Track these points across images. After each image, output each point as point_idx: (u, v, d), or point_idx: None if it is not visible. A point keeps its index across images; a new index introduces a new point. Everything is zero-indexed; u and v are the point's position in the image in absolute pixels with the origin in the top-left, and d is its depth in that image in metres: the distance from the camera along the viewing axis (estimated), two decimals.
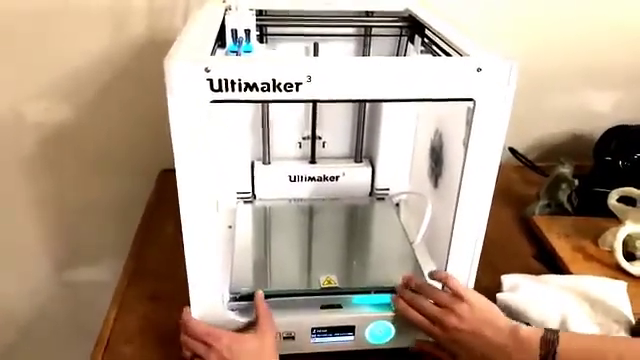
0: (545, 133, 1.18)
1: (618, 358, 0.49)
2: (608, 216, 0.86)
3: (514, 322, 0.56)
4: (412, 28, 0.76)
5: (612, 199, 0.83)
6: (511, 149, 1.07)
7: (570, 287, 0.70)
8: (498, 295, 0.70)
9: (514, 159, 1.08)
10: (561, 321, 0.63)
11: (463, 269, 0.63)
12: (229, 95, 0.49)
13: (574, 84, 1.13)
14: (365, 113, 0.85)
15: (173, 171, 0.53)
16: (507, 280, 0.72)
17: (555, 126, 1.17)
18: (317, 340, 0.64)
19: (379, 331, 0.65)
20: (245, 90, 0.49)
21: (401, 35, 0.78)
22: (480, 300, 0.58)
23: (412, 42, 0.77)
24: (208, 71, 0.48)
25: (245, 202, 0.86)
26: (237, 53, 0.63)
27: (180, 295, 0.61)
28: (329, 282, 0.66)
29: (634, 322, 0.66)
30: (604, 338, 0.54)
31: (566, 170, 0.92)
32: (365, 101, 0.81)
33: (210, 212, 0.56)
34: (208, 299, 0.61)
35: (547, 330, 0.52)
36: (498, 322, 0.56)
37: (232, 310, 0.63)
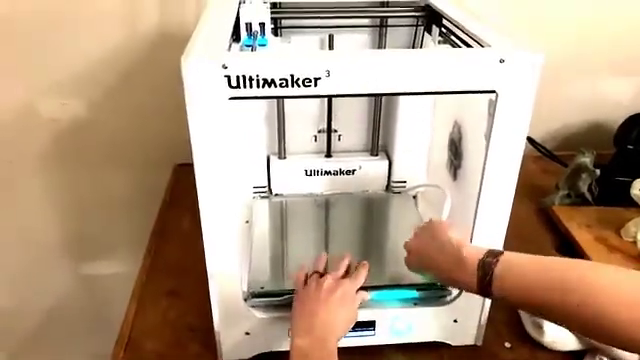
0: (564, 122, 1.16)
1: (561, 282, 0.46)
2: (630, 206, 0.84)
3: (461, 241, 0.55)
4: (429, 18, 0.74)
5: (635, 189, 0.82)
6: (529, 139, 1.05)
7: None
8: None
9: (532, 149, 1.06)
10: None
11: None
12: (247, 92, 0.49)
13: (593, 72, 1.10)
14: (381, 105, 0.84)
15: (188, 165, 0.52)
16: None
17: (574, 115, 1.15)
18: None
19: (400, 326, 0.64)
20: (263, 86, 0.49)
21: (417, 25, 0.77)
22: (433, 221, 0.60)
23: (429, 32, 0.75)
24: (225, 68, 0.47)
25: (262, 197, 0.86)
26: (252, 47, 0.62)
27: (198, 291, 0.61)
28: None
29: None
30: (545, 262, 0.49)
31: (587, 159, 0.90)
32: (385, 95, 0.80)
33: (229, 208, 0.55)
34: (227, 295, 0.60)
35: (489, 252, 0.51)
36: (442, 237, 0.56)
37: (252, 307, 0.63)
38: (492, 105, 0.53)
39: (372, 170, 0.87)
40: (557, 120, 1.15)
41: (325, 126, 0.85)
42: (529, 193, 0.98)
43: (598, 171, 0.90)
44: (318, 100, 0.83)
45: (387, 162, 0.87)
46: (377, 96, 0.81)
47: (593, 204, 0.93)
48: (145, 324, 0.71)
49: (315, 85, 0.49)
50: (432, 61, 0.50)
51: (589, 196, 0.93)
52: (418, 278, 0.66)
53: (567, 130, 1.16)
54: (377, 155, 0.88)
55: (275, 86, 0.49)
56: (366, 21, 0.78)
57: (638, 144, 0.96)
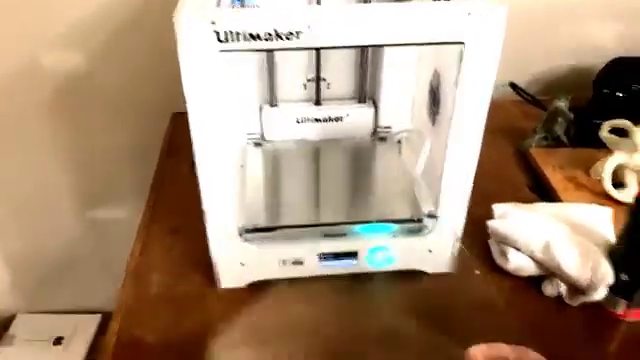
0: (547, 67, 1.19)
1: None
2: (602, 147, 0.89)
3: None
4: None
5: (604, 131, 0.87)
6: (512, 84, 1.09)
7: (557, 213, 0.75)
8: (488, 222, 0.75)
9: (515, 94, 1.10)
10: (544, 243, 0.69)
11: (455, 200, 0.68)
12: (235, 45, 0.53)
13: (576, 17, 1.12)
14: (368, 55, 0.88)
15: (185, 114, 0.57)
16: (498, 209, 0.77)
17: (557, 60, 1.18)
18: (323, 264, 0.71)
19: (380, 256, 0.72)
20: (250, 40, 0.53)
21: None
22: None
23: None
24: (214, 23, 0.52)
25: (255, 143, 0.91)
26: (241, 2, 0.66)
27: (200, 229, 0.67)
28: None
29: None
30: None
31: (562, 103, 0.95)
32: (361, 46, 0.84)
33: (223, 153, 0.61)
34: (224, 230, 0.67)
35: None
36: None
37: (247, 241, 0.70)
38: (460, 55, 0.58)
39: (359, 117, 0.92)
40: (540, 65, 1.18)
41: (314, 75, 0.90)
42: (510, 136, 1.02)
43: (572, 115, 0.94)
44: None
45: (373, 109, 0.92)
46: (353, 48, 0.85)
47: (569, 146, 0.98)
48: (151, 259, 0.78)
49: (298, 38, 0.54)
50: (403, 14, 0.55)
51: (565, 139, 0.98)
52: (397, 214, 0.73)
53: (550, 75, 1.19)
54: (364, 102, 0.93)
55: (261, 40, 0.54)
56: None
57: (615, 87, 1.00)
